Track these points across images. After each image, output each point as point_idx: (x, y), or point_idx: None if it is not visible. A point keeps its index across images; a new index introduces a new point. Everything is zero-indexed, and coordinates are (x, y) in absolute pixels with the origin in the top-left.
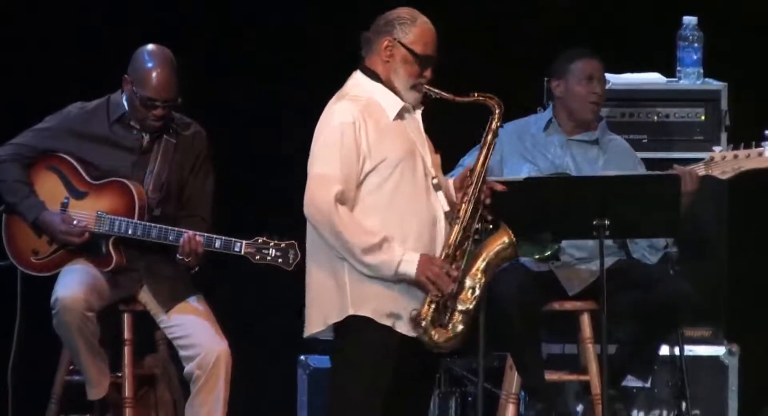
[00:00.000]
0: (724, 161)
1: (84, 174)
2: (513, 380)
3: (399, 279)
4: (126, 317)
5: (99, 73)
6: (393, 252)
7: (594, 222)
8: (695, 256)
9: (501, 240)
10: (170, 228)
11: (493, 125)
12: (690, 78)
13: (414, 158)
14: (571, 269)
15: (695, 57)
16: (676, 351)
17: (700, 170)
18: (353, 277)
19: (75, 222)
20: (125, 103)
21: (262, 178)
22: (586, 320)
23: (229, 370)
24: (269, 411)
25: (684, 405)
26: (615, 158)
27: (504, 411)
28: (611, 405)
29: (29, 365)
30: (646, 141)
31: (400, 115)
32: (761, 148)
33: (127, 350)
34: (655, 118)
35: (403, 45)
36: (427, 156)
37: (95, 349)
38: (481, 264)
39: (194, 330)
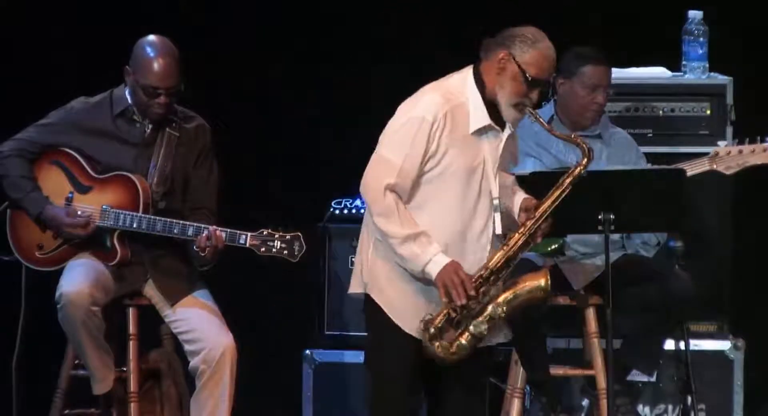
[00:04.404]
0: (729, 156)
1: (88, 168)
2: (518, 374)
3: (424, 277)
4: (131, 311)
5: (101, 69)
6: (426, 249)
7: (599, 217)
8: (700, 251)
9: (538, 282)
10: (175, 221)
11: (576, 171)
12: (695, 72)
13: (473, 176)
14: (577, 264)
15: (701, 51)
16: (682, 345)
17: (704, 165)
18: (372, 256)
19: (79, 212)
20: (128, 97)
21: (266, 173)
22: (591, 314)
23: (235, 365)
24: (275, 406)
25: (689, 399)
26: (618, 151)
27: (509, 406)
28: (616, 400)
29: (34, 360)
30: (651, 135)
31: (482, 131)
32: (766, 144)
33: (132, 344)
34: (661, 112)
35: (516, 63)
36: (491, 177)
37: (100, 344)
38: (509, 295)
39: (199, 325)
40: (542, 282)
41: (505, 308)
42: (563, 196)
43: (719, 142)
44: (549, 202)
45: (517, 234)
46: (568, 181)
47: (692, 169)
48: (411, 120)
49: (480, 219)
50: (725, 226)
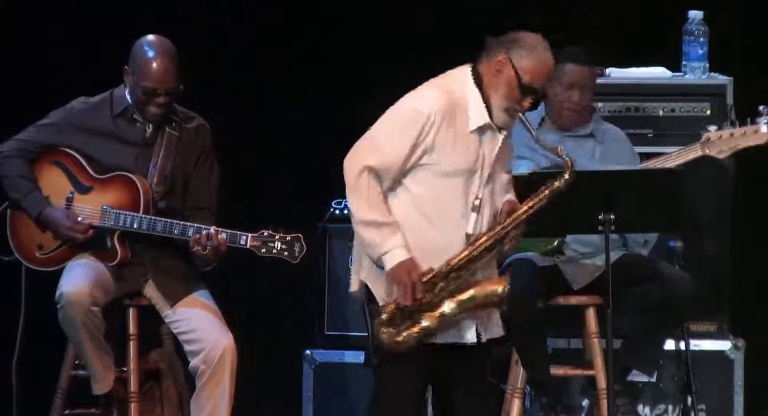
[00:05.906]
0: (720, 140)
1: (88, 168)
2: (518, 374)
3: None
4: (131, 311)
5: (101, 69)
6: (386, 240)
7: (600, 217)
8: (700, 251)
9: (496, 288)
10: (175, 221)
11: (555, 185)
12: (695, 72)
13: (471, 177)
14: (576, 263)
15: (701, 51)
16: (682, 345)
17: (697, 151)
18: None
19: (80, 218)
20: (128, 97)
21: (266, 173)
22: (591, 314)
23: (235, 365)
24: (275, 406)
25: (689, 399)
26: (611, 148)
27: (509, 406)
28: (616, 400)
29: (34, 360)
30: (651, 135)
31: (481, 130)
32: (757, 125)
33: (132, 345)
34: (661, 112)
35: (513, 67)
36: (485, 177)
37: (100, 344)
38: (465, 296)
39: (199, 325)
40: (500, 289)
41: (458, 307)
42: (539, 206)
43: (710, 127)
44: (523, 209)
45: (485, 237)
46: (546, 193)
47: (685, 155)
48: (408, 111)
49: (468, 222)
50: (725, 226)
